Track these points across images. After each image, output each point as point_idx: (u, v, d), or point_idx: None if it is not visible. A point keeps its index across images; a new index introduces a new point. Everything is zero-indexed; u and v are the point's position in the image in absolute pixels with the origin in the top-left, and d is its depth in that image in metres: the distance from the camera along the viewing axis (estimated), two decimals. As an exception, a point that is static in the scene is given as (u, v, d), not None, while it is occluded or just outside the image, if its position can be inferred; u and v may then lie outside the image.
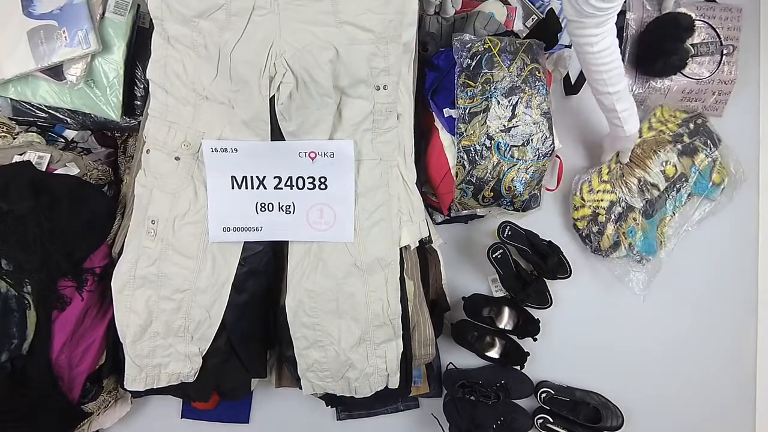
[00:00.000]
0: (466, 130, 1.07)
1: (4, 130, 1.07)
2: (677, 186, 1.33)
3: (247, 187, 0.94)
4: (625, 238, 1.31)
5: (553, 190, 1.26)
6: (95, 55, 1.04)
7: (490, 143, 1.07)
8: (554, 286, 1.31)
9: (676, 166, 1.31)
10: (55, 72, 1.02)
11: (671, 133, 1.34)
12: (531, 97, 1.08)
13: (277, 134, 0.91)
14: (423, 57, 1.13)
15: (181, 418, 1.26)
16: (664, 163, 1.31)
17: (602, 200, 1.31)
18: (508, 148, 1.08)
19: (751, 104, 1.40)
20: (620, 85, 1.08)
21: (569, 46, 1.30)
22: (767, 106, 1.42)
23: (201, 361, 0.98)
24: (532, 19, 1.23)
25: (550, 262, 1.26)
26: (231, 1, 0.84)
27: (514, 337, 1.30)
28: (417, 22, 0.97)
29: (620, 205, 1.31)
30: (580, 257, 1.36)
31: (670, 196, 1.33)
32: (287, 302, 0.96)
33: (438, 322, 1.18)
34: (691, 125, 1.34)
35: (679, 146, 1.32)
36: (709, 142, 1.34)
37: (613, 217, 1.31)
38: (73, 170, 1.02)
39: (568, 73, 1.29)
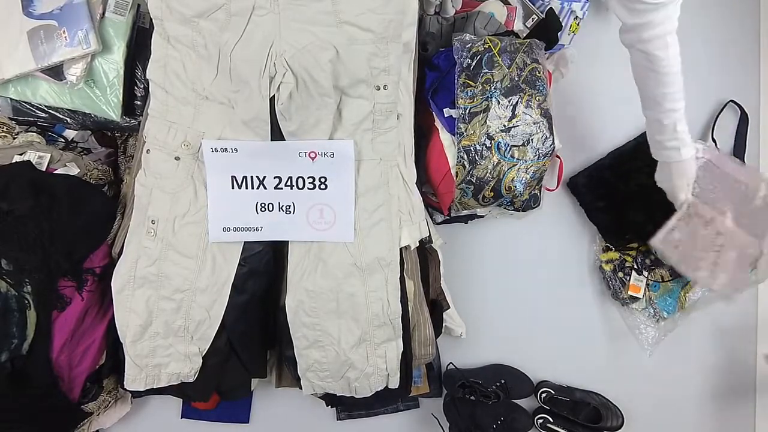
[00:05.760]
0: (466, 130, 1.07)
1: (4, 130, 1.07)
2: None
3: (247, 187, 0.94)
4: (648, 290, 1.31)
5: (553, 190, 1.26)
6: (95, 55, 1.04)
7: (490, 143, 1.07)
8: (557, 300, 1.32)
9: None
10: (55, 72, 1.02)
11: None
12: (531, 96, 1.08)
13: (277, 134, 0.91)
14: (423, 57, 1.13)
15: (181, 418, 1.27)
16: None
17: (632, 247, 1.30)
18: (508, 148, 1.08)
19: (752, 105, 1.39)
20: (683, 98, 0.97)
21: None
22: (767, 107, 1.42)
23: (201, 361, 0.98)
24: (532, 19, 1.23)
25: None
26: (231, 1, 0.84)
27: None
28: (417, 22, 0.97)
29: (649, 258, 1.30)
30: (590, 294, 1.37)
31: None
32: (287, 302, 0.96)
33: (438, 322, 1.18)
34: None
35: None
36: None
37: (639, 266, 1.30)
38: (73, 170, 1.02)
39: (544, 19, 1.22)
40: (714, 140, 1.35)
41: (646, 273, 1.29)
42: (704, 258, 1.20)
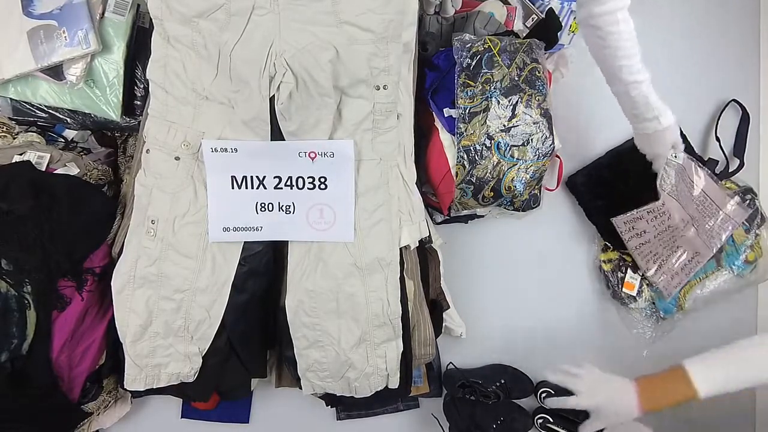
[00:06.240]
0: (466, 130, 1.07)
1: (4, 130, 1.07)
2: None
3: (247, 187, 0.94)
4: (647, 290, 1.31)
5: (553, 189, 1.26)
6: (95, 55, 1.04)
7: (490, 143, 1.07)
8: (558, 299, 1.31)
9: None
10: (55, 72, 1.02)
11: None
12: (531, 96, 1.08)
13: (277, 134, 0.91)
14: (423, 57, 1.13)
15: (181, 418, 1.26)
16: None
17: None
18: (508, 148, 1.08)
19: (752, 105, 1.39)
20: (645, 70, 0.99)
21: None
22: (767, 108, 1.42)
23: (201, 361, 0.98)
24: (532, 19, 1.23)
25: None
26: (231, 1, 0.84)
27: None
28: (417, 22, 0.97)
29: None
30: (589, 294, 1.37)
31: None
32: (287, 302, 0.96)
33: (438, 322, 1.18)
34: (738, 198, 1.27)
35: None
36: (753, 218, 1.27)
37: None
38: (73, 170, 1.02)
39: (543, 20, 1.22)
40: (718, 138, 1.35)
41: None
42: (660, 254, 1.26)
